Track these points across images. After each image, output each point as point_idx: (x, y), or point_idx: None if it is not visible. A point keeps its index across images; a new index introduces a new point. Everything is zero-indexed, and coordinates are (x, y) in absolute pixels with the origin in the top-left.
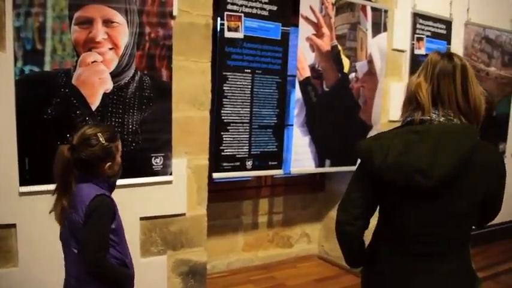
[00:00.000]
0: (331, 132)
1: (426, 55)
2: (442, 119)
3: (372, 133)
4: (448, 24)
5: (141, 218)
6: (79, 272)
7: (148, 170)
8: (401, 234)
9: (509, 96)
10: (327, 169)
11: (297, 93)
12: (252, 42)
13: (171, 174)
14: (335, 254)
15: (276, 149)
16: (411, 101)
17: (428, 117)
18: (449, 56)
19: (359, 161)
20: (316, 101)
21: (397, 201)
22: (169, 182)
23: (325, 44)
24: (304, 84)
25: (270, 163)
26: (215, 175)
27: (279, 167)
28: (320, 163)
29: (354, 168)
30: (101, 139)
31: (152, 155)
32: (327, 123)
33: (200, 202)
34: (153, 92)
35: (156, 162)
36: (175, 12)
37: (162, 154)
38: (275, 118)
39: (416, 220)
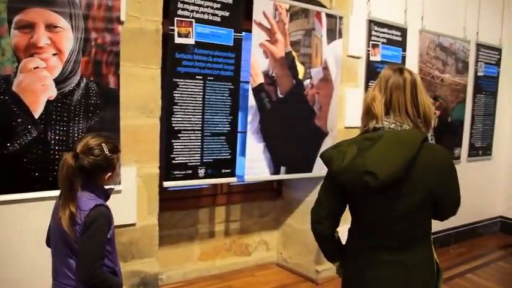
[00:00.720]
0: (286, 139)
1: (382, 62)
2: (392, 125)
3: (327, 140)
4: (403, 31)
5: None
6: (75, 281)
7: None
8: (365, 229)
9: (463, 103)
10: (282, 176)
11: (250, 100)
12: (203, 48)
13: (119, 183)
14: (294, 261)
15: (229, 157)
16: (368, 112)
17: (381, 125)
18: (400, 70)
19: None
20: (270, 107)
21: (356, 201)
22: (118, 192)
23: (279, 51)
24: (258, 90)
25: (223, 171)
26: (166, 184)
27: (232, 174)
28: (275, 170)
29: (309, 175)
30: (104, 149)
31: None
32: (281, 130)
33: (151, 211)
34: (100, 99)
35: None
36: (123, 18)
37: None
38: (228, 125)
39: (374, 217)
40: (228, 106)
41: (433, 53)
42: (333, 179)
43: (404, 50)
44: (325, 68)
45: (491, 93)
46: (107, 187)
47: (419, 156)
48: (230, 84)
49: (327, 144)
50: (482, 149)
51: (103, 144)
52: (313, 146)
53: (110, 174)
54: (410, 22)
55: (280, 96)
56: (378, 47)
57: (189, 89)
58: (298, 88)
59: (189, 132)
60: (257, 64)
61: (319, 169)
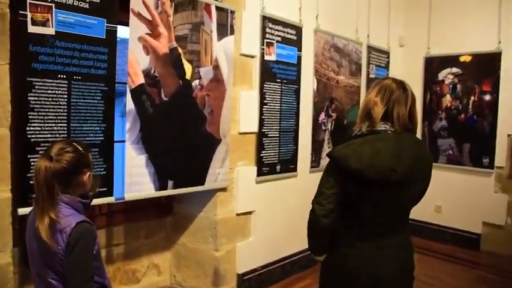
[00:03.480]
0: (172, 148)
1: (277, 62)
2: (391, 130)
3: (221, 148)
4: (298, 30)
5: None
6: None
7: None
8: (364, 220)
9: (357, 105)
10: (170, 192)
11: (128, 104)
12: (67, 40)
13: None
14: (189, 284)
15: (104, 172)
16: (365, 114)
17: (383, 128)
18: (403, 87)
19: (328, 163)
20: (152, 112)
21: (365, 194)
22: None
23: (163, 46)
24: (138, 92)
25: (97, 190)
26: (22, 210)
27: (109, 193)
28: (161, 185)
29: (201, 188)
30: (78, 147)
31: None
32: (167, 138)
33: (2, 247)
34: None
35: None
36: None
37: None
38: (101, 134)
39: (379, 208)
40: (100, 112)
41: (328, 54)
42: (349, 175)
43: (300, 49)
44: (216, 67)
45: None
46: (83, 199)
47: (420, 155)
48: (103, 85)
49: (220, 152)
50: None
51: (74, 143)
52: (205, 155)
53: (88, 173)
54: (305, 21)
55: (164, 99)
56: (272, 46)
57: (50, 91)
58: (185, 89)
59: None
60: (136, 61)
61: (212, 181)
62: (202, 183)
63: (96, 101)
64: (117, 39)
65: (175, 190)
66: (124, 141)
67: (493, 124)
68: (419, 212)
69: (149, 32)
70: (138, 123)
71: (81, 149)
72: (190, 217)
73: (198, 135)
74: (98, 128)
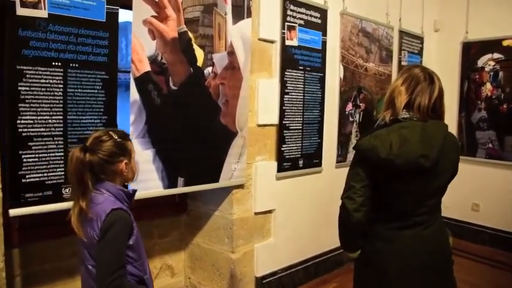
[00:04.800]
0: (183, 142)
1: (299, 47)
2: (414, 118)
3: (237, 141)
4: (322, 12)
5: None
6: None
7: None
8: (394, 211)
9: None
10: (180, 190)
11: (132, 94)
12: (62, 24)
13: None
14: (204, 286)
15: None
16: (389, 103)
17: (407, 116)
18: (431, 79)
19: (355, 156)
20: (160, 103)
21: (395, 184)
22: None
23: (171, 30)
24: (143, 81)
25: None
26: (13, 212)
27: None
28: (170, 182)
29: (216, 185)
30: (113, 135)
31: None
32: (176, 132)
33: None
34: None
35: None
36: None
37: None
38: (102, 128)
39: (410, 197)
40: (101, 102)
41: (355, 39)
42: (379, 166)
43: (324, 34)
44: (231, 53)
45: None
46: (127, 189)
47: (446, 141)
48: (103, 73)
49: (236, 146)
50: None
51: (110, 132)
52: (219, 150)
53: (126, 161)
54: (331, 3)
55: (173, 88)
56: (294, 30)
57: (43, 80)
58: (197, 78)
59: (45, 139)
60: (141, 47)
61: (228, 178)
62: (216, 180)
63: (95, 91)
64: (119, 22)
65: (186, 188)
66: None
67: None
68: (454, 211)
69: (155, 14)
70: (144, 115)
71: (116, 137)
72: (205, 216)
73: (211, 127)
74: (99, 121)
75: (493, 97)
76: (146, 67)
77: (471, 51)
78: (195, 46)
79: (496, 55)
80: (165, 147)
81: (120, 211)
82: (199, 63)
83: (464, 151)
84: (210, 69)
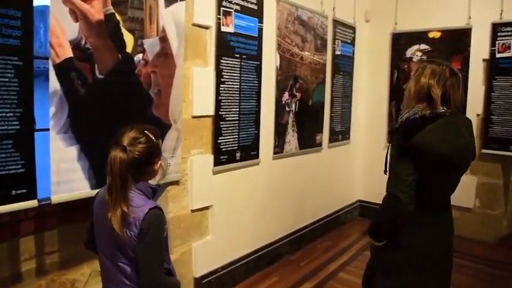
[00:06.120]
0: (111, 137)
1: (236, 34)
2: (449, 112)
3: (171, 134)
4: None
5: None
6: None
7: None
8: (432, 199)
9: (323, 84)
10: None
11: (52, 83)
12: None
13: None
14: None
15: (22, 170)
16: (421, 97)
17: (444, 110)
18: (454, 73)
19: (401, 149)
20: (84, 93)
21: (441, 176)
22: None
23: (95, 11)
24: (64, 69)
25: (14, 192)
26: None
27: (31, 196)
28: (98, 181)
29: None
30: (150, 136)
31: None
32: (104, 125)
33: None
34: None
35: None
36: None
37: None
38: (16, 122)
39: (446, 186)
40: (13, 93)
41: (291, 27)
42: (435, 160)
43: (260, 21)
44: (164, 39)
45: (347, 74)
46: (153, 184)
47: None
48: (15, 59)
49: (170, 139)
50: (341, 133)
51: (146, 131)
52: None
53: (160, 162)
54: None
55: (99, 76)
56: (230, 16)
57: None
58: (126, 65)
59: None
60: (61, 30)
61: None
62: None
63: (7, 80)
64: (36, 6)
65: None
66: (48, 129)
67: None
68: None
69: None
70: (66, 107)
71: (153, 138)
72: None
73: (142, 120)
74: (12, 114)
75: None
76: (68, 53)
77: (400, 42)
78: (123, 30)
79: (423, 46)
80: (91, 143)
81: (156, 209)
82: (129, 49)
83: None
84: (140, 56)
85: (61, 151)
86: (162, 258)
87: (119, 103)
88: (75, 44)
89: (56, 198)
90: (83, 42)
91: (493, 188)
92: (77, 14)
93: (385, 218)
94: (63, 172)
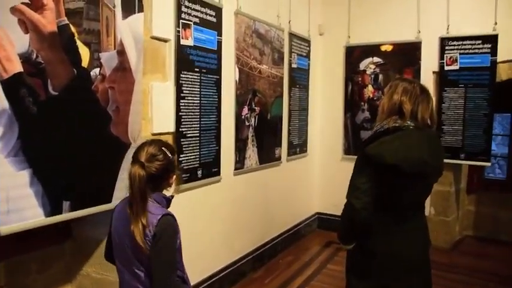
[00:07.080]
0: (67, 159)
1: (195, 47)
2: (412, 125)
3: (130, 154)
4: (218, 11)
5: None
6: None
7: None
8: (396, 209)
9: (281, 97)
10: (67, 216)
11: (0, 101)
12: None
13: None
14: None
15: None
16: (392, 112)
17: (406, 124)
18: (425, 91)
19: (360, 160)
20: (37, 112)
21: (397, 185)
22: None
23: (48, 22)
24: (13, 85)
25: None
26: None
27: None
28: (54, 208)
29: (108, 206)
30: (167, 153)
31: None
32: (58, 147)
33: None
34: None
35: None
36: None
37: None
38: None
39: (413, 194)
40: None
41: (250, 40)
42: (385, 169)
43: (220, 34)
44: (121, 53)
45: (304, 87)
46: (167, 195)
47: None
48: None
49: (129, 160)
50: (299, 146)
51: (163, 148)
52: (111, 165)
53: (174, 175)
54: (225, 0)
55: (53, 93)
56: (189, 28)
57: None
58: (81, 81)
59: None
60: (9, 42)
61: (121, 197)
62: (109, 201)
63: None
64: None
65: (73, 213)
66: None
67: None
68: (340, 208)
69: (27, 1)
70: (16, 127)
71: (170, 155)
72: (94, 241)
73: (100, 139)
74: None
75: (375, 98)
76: (17, 67)
77: (354, 54)
78: (78, 43)
79: (376, 59)
80: (44, 167)
81: (168, 217)
82: (84, 63)
83: (350, 150)
84: (97, 70)
85: (11, 176)
86: (175, 264)
87: (74, 122)
88: (25, 58)
89: (6, 229)
90: (34, 56)
91: (446, 195)
92: (27, 25)
93: (342, 222)
94: (14, 199)
